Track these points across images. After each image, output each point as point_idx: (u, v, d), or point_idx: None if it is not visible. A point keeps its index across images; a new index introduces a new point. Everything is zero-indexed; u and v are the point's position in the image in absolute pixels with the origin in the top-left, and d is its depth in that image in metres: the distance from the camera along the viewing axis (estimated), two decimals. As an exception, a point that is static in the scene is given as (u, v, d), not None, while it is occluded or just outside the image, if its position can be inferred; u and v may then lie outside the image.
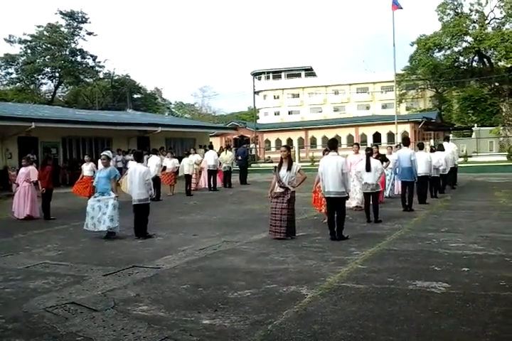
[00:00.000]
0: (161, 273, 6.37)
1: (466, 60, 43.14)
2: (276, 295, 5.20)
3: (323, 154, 9.41)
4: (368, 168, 10.10)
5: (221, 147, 27.32)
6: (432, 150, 15.13)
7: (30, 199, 12.02)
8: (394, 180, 13.91)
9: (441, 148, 14.95)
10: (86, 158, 15.92)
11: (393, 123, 38.43)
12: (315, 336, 4.01)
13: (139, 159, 9.78)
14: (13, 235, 9.79)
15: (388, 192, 13.83)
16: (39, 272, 6.66)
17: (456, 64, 42.57)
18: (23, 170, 12.41)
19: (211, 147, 19.94)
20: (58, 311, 4.89)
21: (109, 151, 10.47)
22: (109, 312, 4.80)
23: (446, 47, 40.35)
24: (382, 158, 12.27)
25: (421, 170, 12.13)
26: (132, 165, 10.80)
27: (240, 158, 21.73)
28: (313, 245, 7.87)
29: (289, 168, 8.37)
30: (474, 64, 43.20)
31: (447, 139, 17.08)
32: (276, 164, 8.71)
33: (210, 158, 18.61)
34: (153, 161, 15.64)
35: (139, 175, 9.10)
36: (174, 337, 4.09)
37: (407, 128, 42.33)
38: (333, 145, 8.79)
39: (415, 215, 10.83)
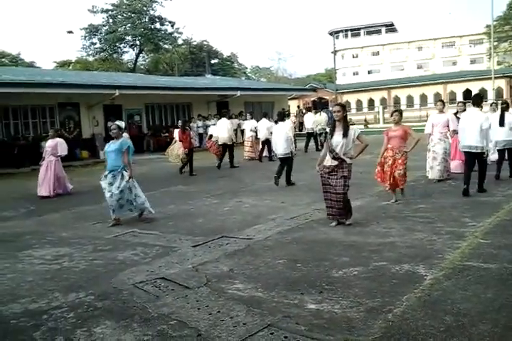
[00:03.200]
0: (252, 244, 5.87)
1: None
2: (388, 275, 4.49)
3: (391, 116, 8.29)
4: (502, 123, 9.68)
5: (308, 107, 26.37)
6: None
7: (54, 176, 10.88)
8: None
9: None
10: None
11: (485, 78, 35.32)
12: (451, 331, 3.27)
13: (282, 118, 11.17)
14: (102, 202, 9.73)
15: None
16: (127, 242, 6.42)
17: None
18: (50, 142, 11.09)
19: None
20: (148, 288, 4.52)
21: (121, 121, 8.74)
22: (202, 291, 4.35)
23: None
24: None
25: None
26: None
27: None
28: (417, 214, 7.00)
29: (345, 134, 6.41)
30: None
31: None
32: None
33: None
34: (264, 125, 15.54)
35: (282, 132, 10.41)
36: (278, 326, 3.52)
37: (502, 83, 38.92)
38: (476, 100, 8.50)
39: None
